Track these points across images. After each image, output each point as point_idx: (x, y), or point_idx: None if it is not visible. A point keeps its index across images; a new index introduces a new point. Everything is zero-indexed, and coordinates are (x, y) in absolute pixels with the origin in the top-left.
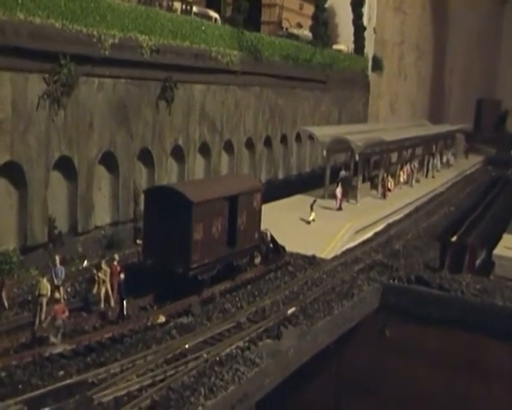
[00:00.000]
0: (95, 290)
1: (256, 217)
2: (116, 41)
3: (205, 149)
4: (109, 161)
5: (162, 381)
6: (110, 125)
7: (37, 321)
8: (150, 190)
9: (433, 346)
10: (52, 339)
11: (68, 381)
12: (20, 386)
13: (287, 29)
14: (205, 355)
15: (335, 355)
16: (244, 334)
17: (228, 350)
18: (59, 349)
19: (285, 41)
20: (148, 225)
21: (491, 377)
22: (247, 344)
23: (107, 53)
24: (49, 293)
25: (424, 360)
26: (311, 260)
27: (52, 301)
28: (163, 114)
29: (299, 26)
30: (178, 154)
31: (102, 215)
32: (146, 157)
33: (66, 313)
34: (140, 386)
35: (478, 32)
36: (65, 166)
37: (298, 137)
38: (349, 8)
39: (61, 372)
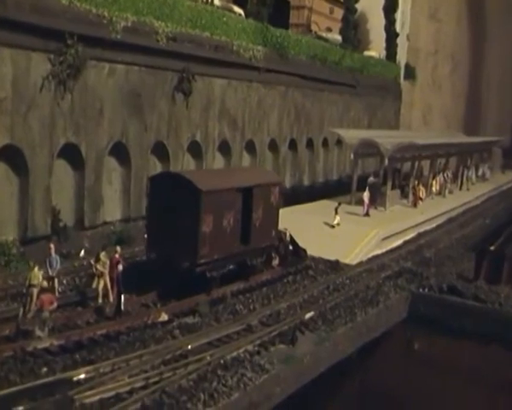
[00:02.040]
0: (94, 284)
1: (273, 213)
2: (129, 24)
3: (225, 148)
4: (120, 152)
5: (156, 383)
6: (122, 115)
7: (20, 312)
8: (156, 176)
9: (467, 362)
10: (38, 332)
11: (49, 379)
12: None
13: (315, 32)
14: (208, 358)
15: (359, 368)
16: (254, 337)
17: (235, 354)
18: (44, 344)
19: (312, 40)
20: (153, 216)
21: None
22: (256, 348)
23: (118, 37)
24: (41, 283)
25: (456, 377)
26: (334, 265)
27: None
28: (180, 106)
29: (329, 30)
30: (196, 150)
31: (112, 210)
32: (161, 151)
33: (55, 305)
34: (131, 388)
35: None
36: (71, 154)
37: (325, 143)
38: (381, 14)
39: (44, 369)
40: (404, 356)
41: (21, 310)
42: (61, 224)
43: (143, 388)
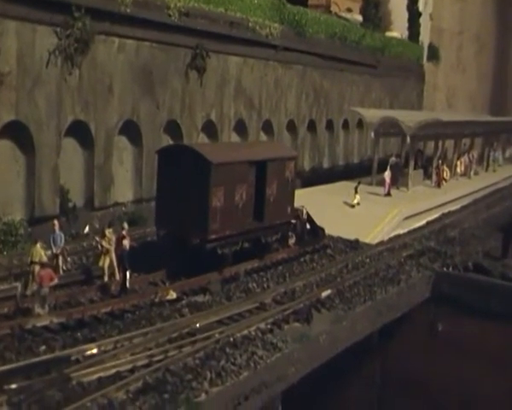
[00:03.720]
0: (100, 262)
1: (289, 189)
2: None
3: (241, 128)
4: (132, 131)
5: (160, 362)
6: (132, 92)
7: (19, 289)
8: (164, 149)
9: (494, 344)
10: (37, 310)
11: (45, 356)
12: None
13: (335, 13)
14: (217, 335)
15: (380, 350)
16: (267, 315)
17: (245, 332)
18: (44, 321)
19: (331, 18)
20: (162, 191)
21: None
22: (269, 326)
23: (128, 10)
24: (41, 259)
25: (483, 360)
26: (354, 244)
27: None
28: (193, 84)
29: (349, 10)
30: (211, 130)
31: (124, 191)
32: (174, 130)
33: (55, 281)
34: (133, 366)
35: None
36: (80, 132)
37: (345, 125)
38: None
39: (43, 347)
40: (427, 338)
41: (20, 287)
42: (70, 204)
43: (146, 366)
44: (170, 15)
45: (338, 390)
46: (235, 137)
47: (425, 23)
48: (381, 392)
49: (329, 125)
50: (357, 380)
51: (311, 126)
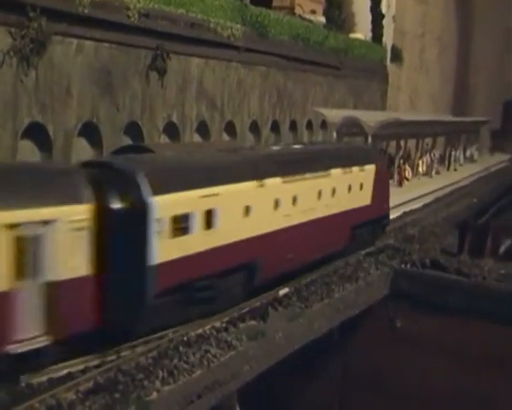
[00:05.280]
0: None
1: None
2: None
3: (203, 129)
4: (91, 133)
5: (113, 362)
6: (91, 93)
7: None
8: (120, 149)
9: (452, 339)
10: None
11: None
12: None
13: (299, 15)
14: (170, 335)
15: (341, 348)
16: (223, 314)
17: (200, 331)
18: None
19: (294, 20)
20: None
21: None
22: (224, 325)
23: (86, 11)
24: None
25: (441, 355)
26: None
27: None
28: (154, 86)
29: (313, 12)
30: (172, 131)
31: None
32: (134, 132)
33: None
34: (85, 367)
35: (506, 29)
36: (38, 134)
37: (309, 125)
38: None
39: None
40: (386, 335)
41: None
42: None
43: (98, 366)
44: (129, 16)
45: (300, 389)
46: (197, 139)
47: (388, 25)
48: (342, 389)
49: (293, 126)
50: (318, 378)
51: (275, 127)
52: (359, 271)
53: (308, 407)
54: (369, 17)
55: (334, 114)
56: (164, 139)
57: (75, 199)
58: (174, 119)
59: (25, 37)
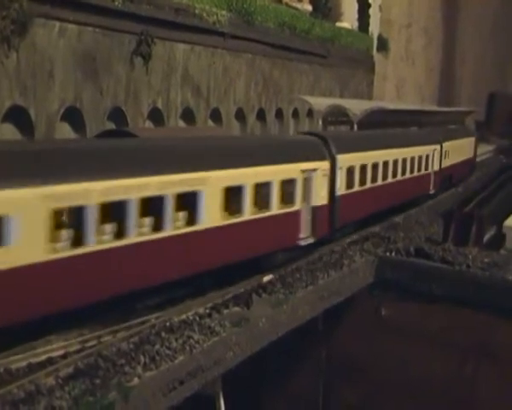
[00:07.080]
0: None
1: None
2: None
3: (188, 116)
4: (74, 117)
5: (94, 347)
6: (75, 78)
7: None
8: (103, 133)
9: (436, 326)
10: None
11: None
12: None
13: (286, 3)
14: (153, 320)
15: (325, 335)
16: (206, 300)
17: (183, 316)
18: None
19: (280, 7)
20: None
21: (502, 360)
22: (208, 311)
23: None
24: None
25: (425, 342)
26: None
27: None
28: (139, 71)
29: (300, 0)
30: (157, 117)
31: None
32: (119, 117)
33: None
34: (65, 352)
35: (492, 21)
36: (19, 118)
37: (295, 114)
38: None
39: None
40: (371, 323)
41: None
42: None
43: (79, 352)
44: (113, 0)
45: (284, 376)
46: (182, 125)
47: (374, 14)
48: (327, 377)
49: (279, 114)
50: (303, 366)
51: (261, 115)
52: (344, 258)
53: (292, 394)
54: (356, 6)
55: (320, 102)
56: (149, 125)
57: (323, 157)
58: (159, 105)
59: (6, 18)
